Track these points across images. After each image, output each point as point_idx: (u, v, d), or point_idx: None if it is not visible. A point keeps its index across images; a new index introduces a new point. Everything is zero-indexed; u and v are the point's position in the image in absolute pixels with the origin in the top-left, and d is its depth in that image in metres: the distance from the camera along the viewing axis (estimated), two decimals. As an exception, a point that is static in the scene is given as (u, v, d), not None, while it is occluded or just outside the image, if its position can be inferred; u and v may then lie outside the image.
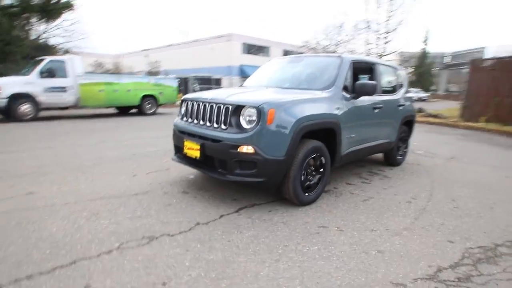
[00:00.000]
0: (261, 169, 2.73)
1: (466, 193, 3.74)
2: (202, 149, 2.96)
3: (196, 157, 3.05)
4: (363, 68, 4.15)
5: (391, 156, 4.73)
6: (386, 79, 4.53)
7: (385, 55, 17.50)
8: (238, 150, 2.74)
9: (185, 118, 3.39)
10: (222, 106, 2.93)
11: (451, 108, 23.70)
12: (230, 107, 2.87)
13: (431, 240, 2.53)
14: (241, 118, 2.82)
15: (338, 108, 3.29)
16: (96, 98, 10.39)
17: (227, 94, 3.12)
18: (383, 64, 4.52)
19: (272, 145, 2.74)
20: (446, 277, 2.02)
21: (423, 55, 40.42)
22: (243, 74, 31.08)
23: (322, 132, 3.19)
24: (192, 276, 1.93)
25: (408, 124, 4.94)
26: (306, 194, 3.08)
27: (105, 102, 10.82)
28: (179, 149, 3.42)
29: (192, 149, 3.08)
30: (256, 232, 2.54)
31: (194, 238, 2.40)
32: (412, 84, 34.07)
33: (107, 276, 1.90)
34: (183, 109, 3.49)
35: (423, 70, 40.05)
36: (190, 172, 4.08)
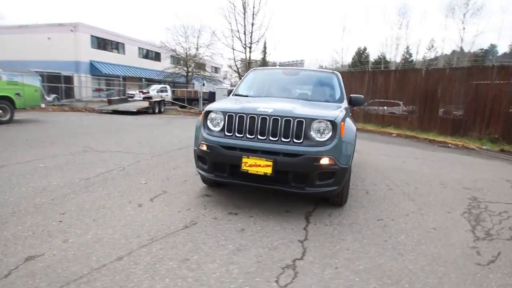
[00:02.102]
0: (338, 178, 2.92)
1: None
2: (275, 165, 2.82)
3: (265, 173, 2.85)
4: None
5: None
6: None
7: (250, 62, 19.38)
8: (321, 162, 2.81)
9: (230, 133, 3.04)
10: (292, 120, 2.88)
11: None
12: (305, 121, 2.87)
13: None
14: (311, 131, 2.88)
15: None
16: None
17: (283, 107, 3.06)
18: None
19: (344, 154, 2.97)
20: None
21: (263, 64, 46.52)
22: (95, 71, 26.92)
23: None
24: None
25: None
26: (348, 195, 3.45)
27: None
28: (226, 167, 3.05)
29: (259, 165, 2.86)
30: (348, 235, 2.73)
31: (320, 256, 2.38)
32: None
33: None
34: (220, 123, 3.11)
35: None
36: (201, 192, 3.67)
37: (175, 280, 1.94)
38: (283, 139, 2.89)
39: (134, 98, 18.36)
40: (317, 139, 2.88)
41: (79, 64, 26.24)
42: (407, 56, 41.60)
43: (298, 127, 2.87)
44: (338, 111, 3.15)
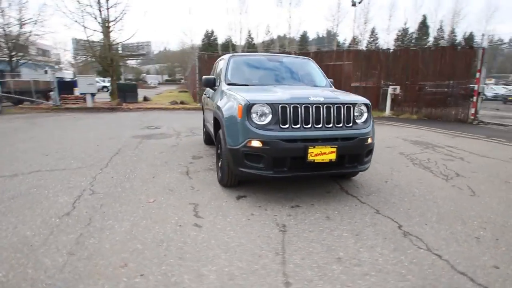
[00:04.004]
0: (372, 154, 3.32)
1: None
2: (338, 150, 2.93)
3: (331, 160, 2.91)
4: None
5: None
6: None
7: (111, 44, 16.62)
8: (368, 141, 3.13)
9: (286, 125, 2.87)
10: (342, 106, 3.01)
11: (162, 94, 27.11)
12: (352, 106, 3.06)
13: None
14: (355, 114, 3.13)
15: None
16: None
17: (325, 94, 3.13)
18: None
19: (374, 132, 3.37)
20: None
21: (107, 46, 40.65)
22: None
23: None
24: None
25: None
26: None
27: None
28: (287, 161, 2.88)
29: (324, 153, 2.87)
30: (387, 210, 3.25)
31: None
32: (101, 73, 33.85)
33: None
34: (266, 116, 2.88)
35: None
36: (232, 195, 3.33)
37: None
38: (336, 125, 3.01)
39: None
40: (358, 121, 3.15)
41: None
42: (250, 40, 45.79)
43: (347, 113, 3.05)
44: (355, 95, 3.50)
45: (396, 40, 44.66)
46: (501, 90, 21.75)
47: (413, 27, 45.14)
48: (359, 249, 2.24)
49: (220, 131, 3.38)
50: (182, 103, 15.88)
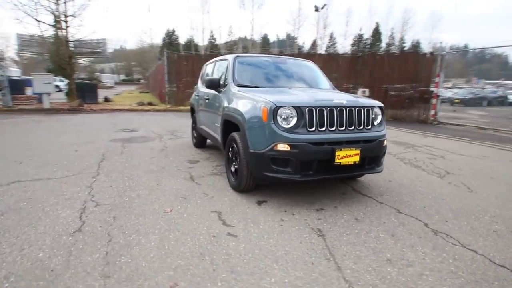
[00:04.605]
0: (385, 156, 3.42)
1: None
2: (361, 153, 2.96)
3: (355, 162, 2.93)
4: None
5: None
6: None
7: (68, 41, 15.30)
8: (385, 143, 3.22)
9: (312, 128, 2.83)
10: (363, 109, 3.06)
11: (122, 95, 25.68)
12: (371, 109, 3.12)
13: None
14: (371, 117, 3.20)
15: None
16: None
17: (345, 97, 3.15)
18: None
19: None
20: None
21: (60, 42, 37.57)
22: None
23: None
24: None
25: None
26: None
27: None
28: (313, 164, 2.84)
29: (349, 156, 2.88)
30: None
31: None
32: (51, 72, 31.20)
33: None
34: (292, 118, 2.82)
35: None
36: (251, 201, 3.22)
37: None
38: (357, 128, 3.04)
39: None
40: (375, 123, 3.23)
41: None
42: (212, 40, 45.24)
43: (367, 115, 3.10)
44: (369, 99, 3.58)
45: (353, 45, 47.11)
46: (447, 93, 23.92)
47: (367, 33, 47.99)
48: (402, 249, 2.28)
49: (236, 135, 3.25)
50: (150, 104, 15.16)
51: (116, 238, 2.34)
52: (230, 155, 3.50)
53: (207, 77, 4.00)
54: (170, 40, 45.24)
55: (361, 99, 3.28)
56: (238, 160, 3.26)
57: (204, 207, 2.96)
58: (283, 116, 2.83)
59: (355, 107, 3.01)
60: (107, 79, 49.96)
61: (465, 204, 3.20)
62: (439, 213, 2.95)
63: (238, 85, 3.68)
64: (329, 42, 48.03)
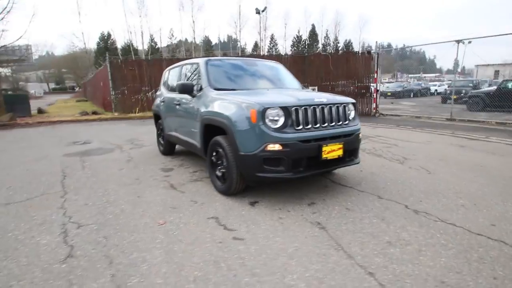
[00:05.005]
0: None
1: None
2: (344, 146, 3.15)
3: (339, 156, 3.10)
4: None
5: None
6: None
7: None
8: (360, 136, 3.46)
9: (299, 127, 2.93)
10: (340, 106, 3.25)
11: (56, 105, 23.30)
12: (346, 105, 3.33)
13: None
14: (347, 112, 3.42)
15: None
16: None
17: (323, 96, 3.32)
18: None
19: (358, 128, 3.73)
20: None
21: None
22: None
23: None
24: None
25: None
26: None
27: None
28: (303, 161, 2.94)
29: (334, 150, 3.05)
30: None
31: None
32: None
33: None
34: (279, 118, 2.88)
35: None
36: (244, 203, 3.22)
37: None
38: (337, 123, 3.23)
39: None
40: (350, 118, 3.45)
41: None
42: (153, 44, 43.39)
43: (344, 111, 3.31)
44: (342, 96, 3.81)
45: (292, 46, 49.11)
46: (381, 87, 26.29)
47: (305, 35, 50.45)
48: (395, 231, 2.49)
49: (221, 138, 3.22)
50: (95, 113, 14.01)
51: (117, 259, 2.16)
52: (214, 160, 3.44)
53: (179, 82, 3.86)
54: (106, 45, 42.21)
55: (337, 96, 3.48)
56: (225, 163, 3.22)
57: (198, 215, 2.88)
58: (270, 117, 2.88)
59: (333, 104, 3.19)
60: (34, 88, 44.80)
61: (429, 185, 3.60)
62: (413, 195, 3.28)
63: (216, 89, 3.63)
64: (270, 43, 49.39)
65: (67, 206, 3.16)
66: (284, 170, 2.88)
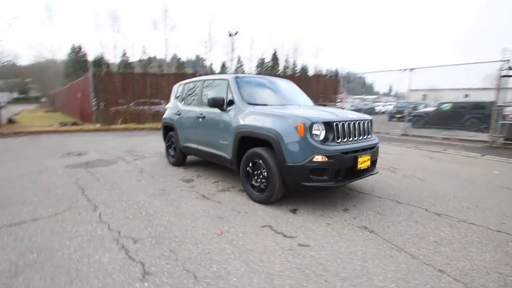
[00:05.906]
0: (376, 158, 3.83)
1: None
2: (372, 157, 3.26)
3: (368, 166, 3.19)
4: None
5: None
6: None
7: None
8: (378, 149, 3.61)
9: (339, 140, 2.97)
10: (366, 122, 3.37)
11: (23, 115, 20.94)
12: (370, 121, 3.47)
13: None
14: (369, 127, 3.55)
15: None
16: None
17: (352, 113, 3.42)
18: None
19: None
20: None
21: None
22: None
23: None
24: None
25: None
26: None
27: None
28: (342, 171, 2.96)
29: (365, 161, 3.13)
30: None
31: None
32: None
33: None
34: (320, 132, 2.91)
35: None
36: (285, 210, 3.15)
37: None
38: (364, 137, 3.34)
39: None
40: (371, 133, 3.59)
41: None
42: (126, 58, 41.39)
43: (368, 126, 3.44)
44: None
45: (257, 67, 50.11)
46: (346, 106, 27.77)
47: (268, 57, 51.86)
48: (434, 231, 2.60)
49: (261, 150, 3.14)
50: (75, 124, 12.83)
51: (198, 272, 1.96)
52: (251, 170, 3.34)
53: (211, 97, 3.71)
54: (77, 57, 39.27)
55: (360, 114, 3.61)
56: (264, 173, 3.14)
57: (250, 224, 2.74)
58: (314, 131, 2.89)
59: (361, 120, 3.30)
60: (-4, 97, 39.79)
61: (430, 191, 3.84)
62: (423, 200, 3.46)
63: (250, 104, 3.56)
64: (237, 64, 49.88)
65: (106, 220, 2.82)
66: (328, 179, 2.89)
